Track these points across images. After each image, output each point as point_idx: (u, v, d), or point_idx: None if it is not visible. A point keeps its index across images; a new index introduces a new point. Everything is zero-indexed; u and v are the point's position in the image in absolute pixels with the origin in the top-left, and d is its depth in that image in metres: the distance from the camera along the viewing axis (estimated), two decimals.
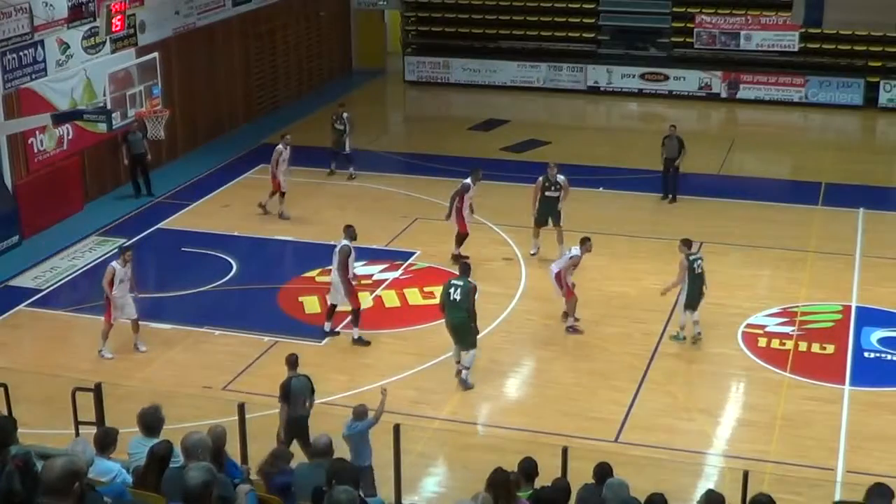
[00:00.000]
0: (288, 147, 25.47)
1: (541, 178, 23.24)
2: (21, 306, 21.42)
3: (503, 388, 18.77)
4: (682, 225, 24.85)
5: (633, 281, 22.24)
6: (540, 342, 20.10)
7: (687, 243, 19.84)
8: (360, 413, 14.16)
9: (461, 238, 22.85)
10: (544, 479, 11.28)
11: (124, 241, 23.56)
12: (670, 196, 26.59)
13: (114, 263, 19.43)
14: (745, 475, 11.91)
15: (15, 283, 22.56)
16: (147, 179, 27.50)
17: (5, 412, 14.19)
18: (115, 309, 19.23)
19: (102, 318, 19.54)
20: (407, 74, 38.85)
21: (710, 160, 29.30)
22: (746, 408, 18.03)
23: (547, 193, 23.13)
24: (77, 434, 14.68)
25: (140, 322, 19.68)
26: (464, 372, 18.38)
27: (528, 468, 11.37)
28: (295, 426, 14.91)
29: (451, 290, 18.20)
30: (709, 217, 25.69)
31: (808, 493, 14.97)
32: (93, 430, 12.51)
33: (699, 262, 19.66)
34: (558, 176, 23.20)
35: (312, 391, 15.29)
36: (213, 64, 31.87)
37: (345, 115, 28.36)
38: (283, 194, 25.63)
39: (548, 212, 23.10)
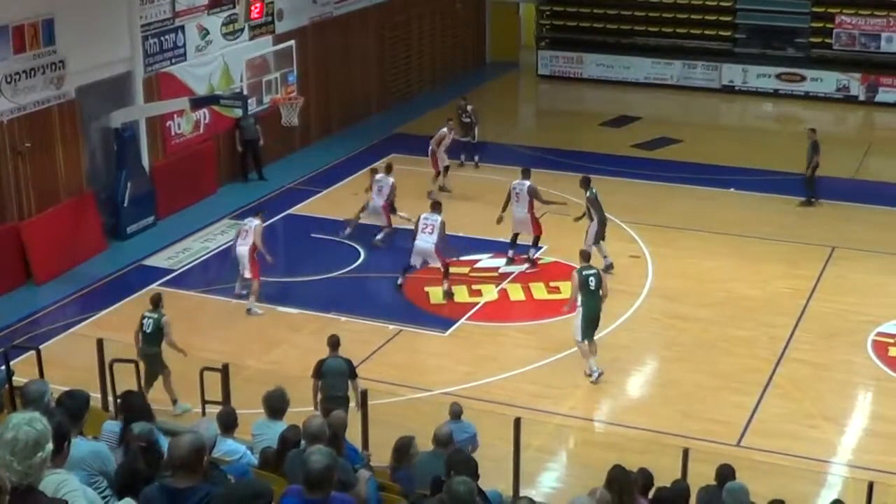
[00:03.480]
0: (452, 132, 26.91)
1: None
2: (154, 285, 21.83)
3: (625, 386, 18.67)
4: (815, 229, 24.46)
5: (762, 284, 21.86)
6: (664, 342, 19.93)
7: None
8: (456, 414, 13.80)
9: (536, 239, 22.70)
10: (664, 480, 11.21)
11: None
12: (812, 199, 26.01)
13: (256, 222, 20.78)
14: (870, 486, 11.69)
15: (149, 262, 23.06)
16: (258, 164, 27.92)
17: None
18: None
19: (251, 283, 20.70)
20: (540, 68, 38.76)
21: (845, 164, 28.59)
22: (874, 418, 17.62)
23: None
24: (203, 413, 15.01)
25: (268, 306, 20.54)
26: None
27: (646, 480, 11.21)
28: (330, 406, 14.85)
29: (590, 281, 18.03)
30: (842, 222, 25.17)
31: None
32: (218, 409, 12.73)
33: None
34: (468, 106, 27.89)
35: (352, 375, 15.55)
36: (347, 53, 32.17)
37: (469, 107, 28.79)
38: (438, 172, 26.74)
39: None
